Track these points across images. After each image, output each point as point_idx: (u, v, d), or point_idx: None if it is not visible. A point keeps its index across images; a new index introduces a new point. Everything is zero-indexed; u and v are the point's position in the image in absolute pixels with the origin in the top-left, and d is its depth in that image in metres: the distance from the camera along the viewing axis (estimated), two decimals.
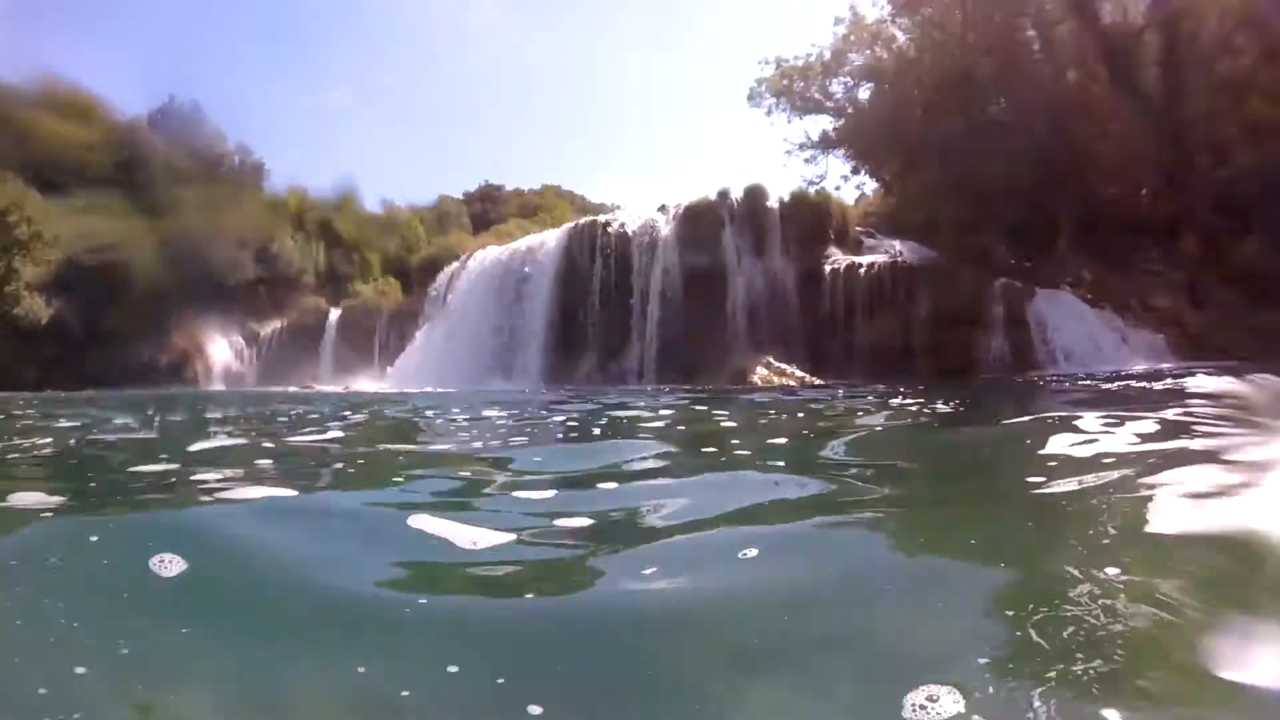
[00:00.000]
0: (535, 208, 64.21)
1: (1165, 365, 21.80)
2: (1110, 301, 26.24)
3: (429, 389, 27.92)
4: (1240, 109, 27.08)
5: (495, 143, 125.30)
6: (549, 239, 32.84)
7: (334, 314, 44.75)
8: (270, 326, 47.76)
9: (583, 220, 33.38)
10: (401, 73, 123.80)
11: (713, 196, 30.70)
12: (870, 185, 37.79)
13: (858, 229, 31.85)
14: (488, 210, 67.40)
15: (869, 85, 35.39)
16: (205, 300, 49.26)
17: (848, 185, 37.33)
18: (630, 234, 30.44)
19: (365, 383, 35.94)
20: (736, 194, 30.70)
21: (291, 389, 35.25)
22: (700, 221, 29.93)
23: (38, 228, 47.75)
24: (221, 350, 48.94)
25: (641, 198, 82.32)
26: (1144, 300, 26.22)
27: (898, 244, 30.24)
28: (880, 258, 29.14)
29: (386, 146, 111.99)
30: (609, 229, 31.07)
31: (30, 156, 50.94)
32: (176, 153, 58.10)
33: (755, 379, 25.01)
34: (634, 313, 29.46)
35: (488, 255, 34.64)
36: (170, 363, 48.54)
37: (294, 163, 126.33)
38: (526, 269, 32.18)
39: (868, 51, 34.91)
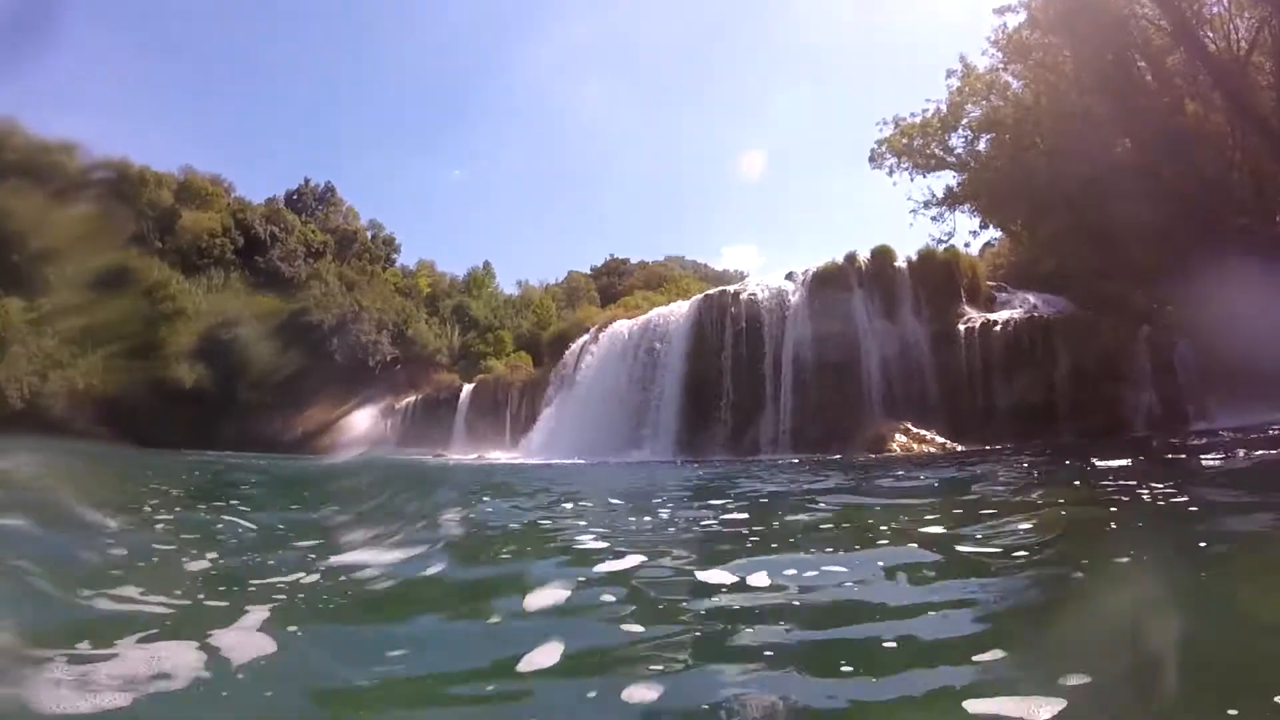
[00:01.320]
0: (660, 279, 65.19)
1: None
2: (1262, 342, 24.67)
3: (561, 460, 28.20)
4: None
5: (618, 217, 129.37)
6: (679, 310, 33.10)
7: (467, 388, 46.21)
8: (405, 400, 49.41)
9: (713, 290, 33.55)
10: (520, 152, 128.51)
11: (840, 260, 30.54)
12: (993, 237, 37.11)
13: (989, 284, 31.13)
14: (614, 283, 68.77)
15: (988, 136, 34.85)
16: (343, 375, 52.00)
17: (976, 240, 36.64)
18: (760, 302, 30.43)
19: (497, 453, 36.66)
20: (864, 256, 30.47)
21: (427, 457, 36.09)
22: (829, 287, 29.75)
23: (180, 304, 50.80)
24: (359, 421, 50.74)
25: (764, 265, 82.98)
26: None
27: (1031, 297, 29.46)
28: (1015, 313, 28.29)
29: (514, 224, 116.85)
30: (739, 298, 31.07)
31: (173, 241, 54.81)
32: (312, 230, 61.60)
33: (894, 447, 24.24)
34: (766, 381, 29.27)
35: (618, 327, 35.02)
36: (306, 433, 50.67)
37: (425, 238, 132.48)
38: (657, 340, 32.41)
39: (984, 102, 34.45)
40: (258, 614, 3.46)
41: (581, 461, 26.92)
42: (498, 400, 43.39)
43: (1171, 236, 26.66)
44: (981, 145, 35.34)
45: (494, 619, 3.63)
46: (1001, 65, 33.73)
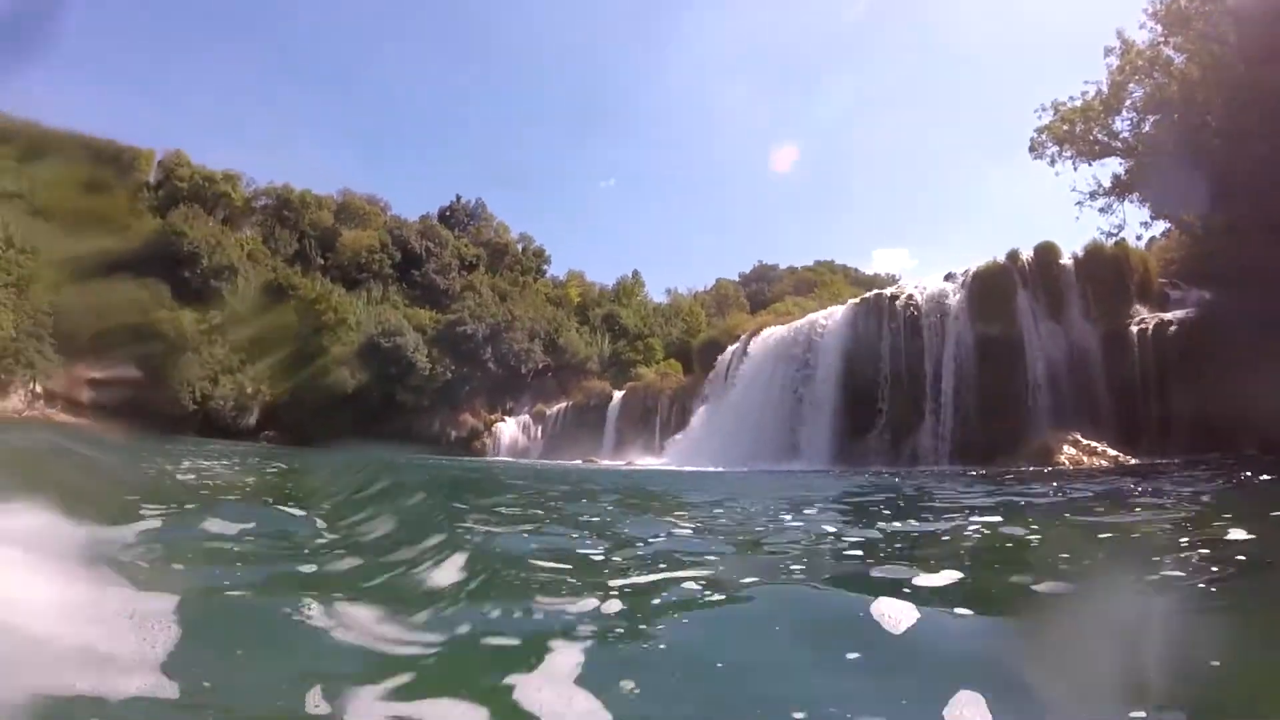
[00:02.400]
0: (810, 284, 64.75)
1: None
2: None
3: (713, 468, 27.97)
4: None
5: (765, 223, 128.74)
6: (834, 314, 32.43)
7: (617, 395, 46.74)
8: (556, 407, 50.40)
9: (869, 294, 32.70)
10: (665, 160, 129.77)
11: (1001, 259, 29.28)
12: (1161, 228, 34.53)
13: (1161, 281, 29.31)
14: (763, 290, 68.96)
15: (1155, 117, 32.63)
16: (496, 382, 54.05)
17: (1148, 233, 34.07)
18: (919, 305, 29.50)
19: (647, 459, 36.76)
20: (1026, 254, 29.14)
21: (576, 463, 36.50)
22: (991, 288, 28.54)
23: (342, 315, 53.63)
24: (509, 427, 52.10)
25: (916, 268, 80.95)
26: None
27: (1208, 294, 27.48)
28: (1190, 312, 26.30)
29: (661, 233, 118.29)
30: (896, 301, 30.18)
31: (334, 258, 58.48)
32: (464, 244, 64.34)
33: (1062, 459, 22.84)
34: (926, 388, 28.32)
35: (771, 333, 34.66)
36: (460, 436, 52.63)
37: (574, 248, 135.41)
38: (811, 346, 31.86)
39: (1147, 80, 32.19)
40: None
41: (743, 469, 26.50)
42: (647, 407, 43.67)
43: None
44: (1148, 128, 33.01)
45: None
46: (1162, 39, 31.35)
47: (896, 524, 7.38)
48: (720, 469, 27.36)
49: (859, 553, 5.58)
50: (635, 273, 71.61)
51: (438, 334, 56.57)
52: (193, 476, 11.96)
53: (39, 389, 45.38)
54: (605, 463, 36.78)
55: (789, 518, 8.30)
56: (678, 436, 37.33)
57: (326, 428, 46.74)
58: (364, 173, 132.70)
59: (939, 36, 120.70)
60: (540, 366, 58.19)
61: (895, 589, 3.65)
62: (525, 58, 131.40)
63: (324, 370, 52.77)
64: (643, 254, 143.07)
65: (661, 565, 4.68)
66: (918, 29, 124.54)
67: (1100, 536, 6.57)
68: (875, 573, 4.42)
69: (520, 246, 70.89)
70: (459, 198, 72.74)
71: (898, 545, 6.15)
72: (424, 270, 62.66)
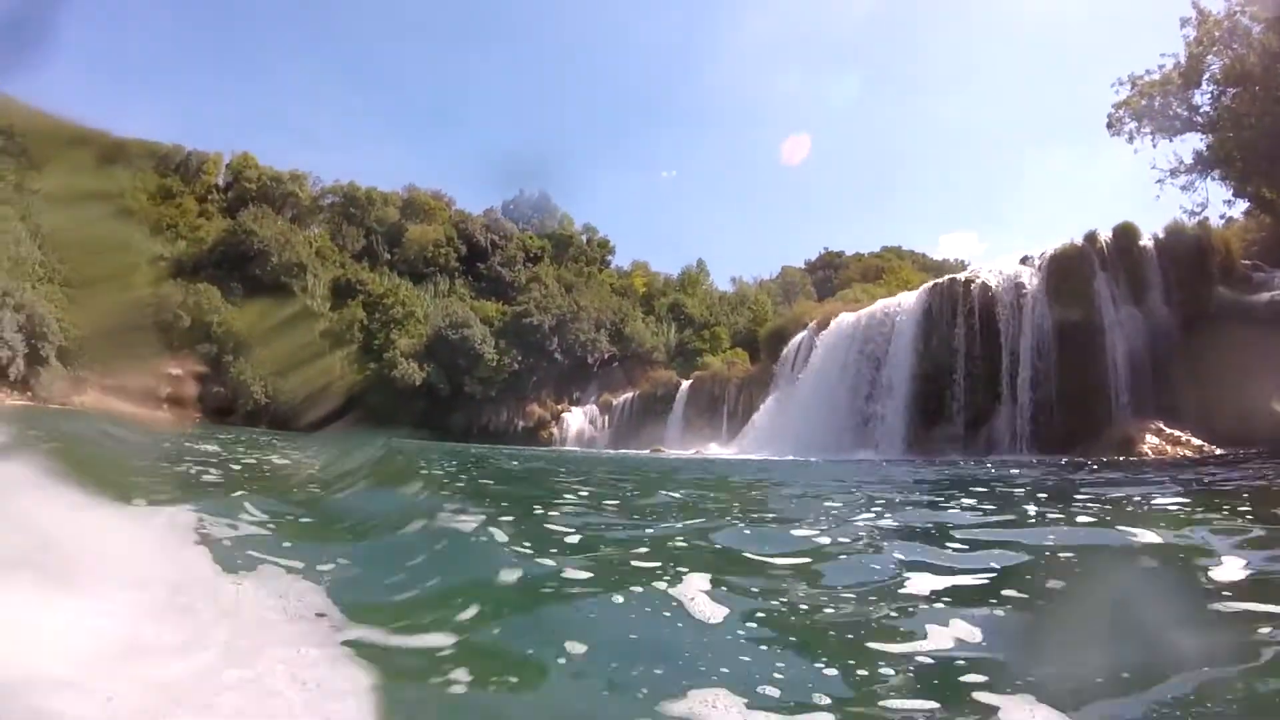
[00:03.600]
0: (878, 270, 64.34)
1: None
2: None
3: (782, 457, 27.81)
4: None
5: (830, 209, 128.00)
6: (906, 301, 32.05)
7: (684, 385, 46.72)
8: (623, 396, 50.56)
9: (942, 279, 32.16)
10: (726, 149, 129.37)
11: (1079, 241, 28.65)
12: (1243, 208, 33.25)
13: (1244, 262, 28.42)
14: (830, 277, 68.72)
15: (1235, 90, 31.49)
16: (563, 372, 54.53)
17: (1232, 210, 32.81)
18: (993, 290, 28.96)
19: (714, 448, 36.75)
20: (1105, 236, 28.42)
21: (644, 453, 36.60)
22: (1068, 271, 27.91)
23: (411, 309, 54.43)
24: (576, 417, 52.42)
25: (982, 253, 79.66)
26: None
27: None
28: (1277, 294, 25.30)
29: (725, 221, 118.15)
30: (971, 286, 29.66)
31: (401, 253, 59.46)
32: (529, 236, 64.95)
33: (1145, 449, 22.40)
34: (1002, 375, 27.78)
35: (841, 321, 34.34)
36: (527, 427, 53.12)
37: (637, 239, 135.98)
38: (882, 334, 31.58)
39: (1227, 51, 31.08)
40: None
41: (813, 459, 26.12)
42: (714, 396, 43.64)
43: None
44: (1229, 101, 31.81)
45: None
46: (1240, 8, 30.30)
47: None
48: (792, 457, 27.18)
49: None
50: (700, 262, 71.90)
51: (504, 326, 57.15)
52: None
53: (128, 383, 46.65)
54: (673, 452, 36.80)
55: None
56: (747, 425, 37.23)
57: (396, 420, 47.57)
58: (428, 169, 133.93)
59: (999, 12, 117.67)
60: (606, 356, 58.47)
61: None
62: (582, 53, 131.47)
63: (392, 363, 53.67)
64: (706, 243, 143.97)
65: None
66: (976, 5, 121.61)
67: None
68: None
69: (584, 238, 71.42)
70: (522, 191, 73.53)
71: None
72: (489, 263, 63.40)
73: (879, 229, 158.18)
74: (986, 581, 4.26)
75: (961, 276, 31.37)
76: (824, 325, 35.43)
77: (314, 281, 55.74)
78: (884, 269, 64.49)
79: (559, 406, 54.99)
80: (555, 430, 53.25)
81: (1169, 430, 23.23)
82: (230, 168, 63.17)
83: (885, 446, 29.19)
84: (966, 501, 9.18)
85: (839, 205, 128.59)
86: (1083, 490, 10.37)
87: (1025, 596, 3.90)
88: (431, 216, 65.89)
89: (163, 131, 78.91)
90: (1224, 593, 3.92)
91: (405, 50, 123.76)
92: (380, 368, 53.73)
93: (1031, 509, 7.95)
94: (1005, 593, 3.90)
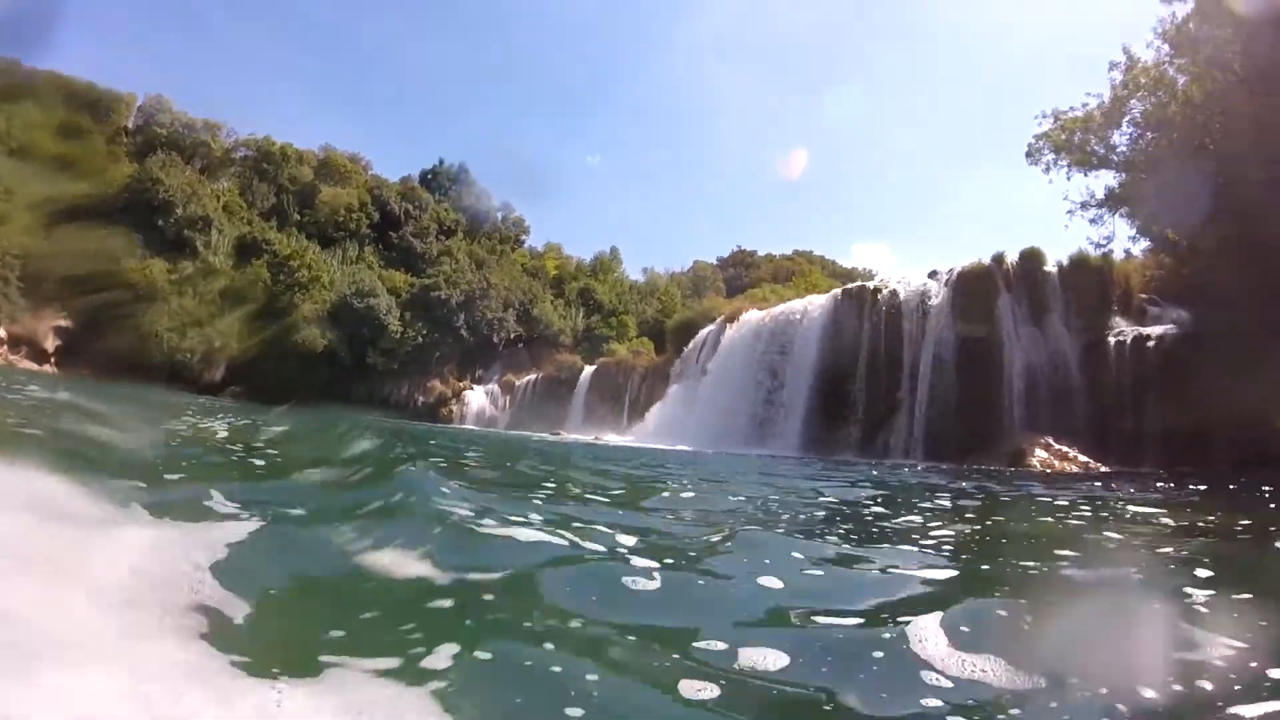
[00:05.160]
0: (788, 273, 64.91)
1: None
2: None
3: (682, 447, 27.79)
4: None
5: (746, 209, 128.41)
6: (814, 303, 32.29)
7: (588, 370, 46.48)
8: (526, 378, 50.08)
9: (851, 285, 32.71)
10: (652, 139, 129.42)
11: (987, 261, 29.26)
12: (1144, 245, 34.64)
13: (1142, 296, 29.34)
14: (741, 275, 69.10)
15: (1154, 135, 32.69)
16: (467, 349, 53.69)
17: (1136, 247, 34.16)
18: (901, 300, 29.46)
19: (612, 435, 36.52)
20: (1012, 258, 29.14)
21: (543, 436, 36.24)
22: (974, 288, 28.53)
23: (317, 273, 52.93)
24: (478, 396, 51.72)
25: (892, 265, 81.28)
26: None
27: (1186, 313, 27.51)
28: (1170, 329, 26.35)
29: (642, 211, 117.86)
30: (878, 295, 30.16)
31: (312, 215, 57.71)
32: (444, 209, 63.61)
33: (1034, 462, 23.09)
34: (902, 383, 28.31)
35: (748, 318, 34.45)
36: (427, 402, 52.25)
37: (554, 221, 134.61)
38: (789, 333, 31.78)
39: (1150, 98, 32.29)
40: None
41: (709, 452, 26.17)
42: (618, 384, 43.43)
43: None
44: (1146, 145, 33.04)
45: None
46: (1168, 60, 31.53)
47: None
48: (690, 449, 27.16)
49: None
50: (614, 249, 71.39)
51: (412, 298, 55.76)
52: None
53: (3, 334, 44.43)
54: (572, 436, 36.46)
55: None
56: (648, 414, 37.12)
57: (294, 386, 46.28)
58: (348, 129, 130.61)
59: (936, 38, 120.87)
60: (512, 337, 57.51)
61: None
62: (520, 26, 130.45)
63: (294, 328, 52.00)
64: (622, 231, 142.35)
65: None
66: (914, 29, 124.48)
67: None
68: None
69: (500, 215, 70.08)
70: (442, 161, 71.69)
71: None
72: (402, 233, 61.63)
73: (794, 232, 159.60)
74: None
75: (870, 284, 32.03)
76: (731, 321, 35.50)
77: (219, 237, 53.53)
78: (795, 271, 65.13)
79: (461, 384, 54.01)
80: (456, 408, 52.38)
81: (1058, 446, 23.91)
82: (143, 110, 60.17)
83: (783, 444, 29.34)
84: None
85: (757, 205, 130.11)
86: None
87: None
88: (347, 180, 63.62)
89: (77, 68, 74.24)
90: None
91: (338, 4, 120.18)
92: (282, 332, 51.94)
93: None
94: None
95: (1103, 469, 22.25)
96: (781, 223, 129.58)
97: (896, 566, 4.60)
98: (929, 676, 2.82)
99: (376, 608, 3.29)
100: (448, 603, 3.32)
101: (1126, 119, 32.60)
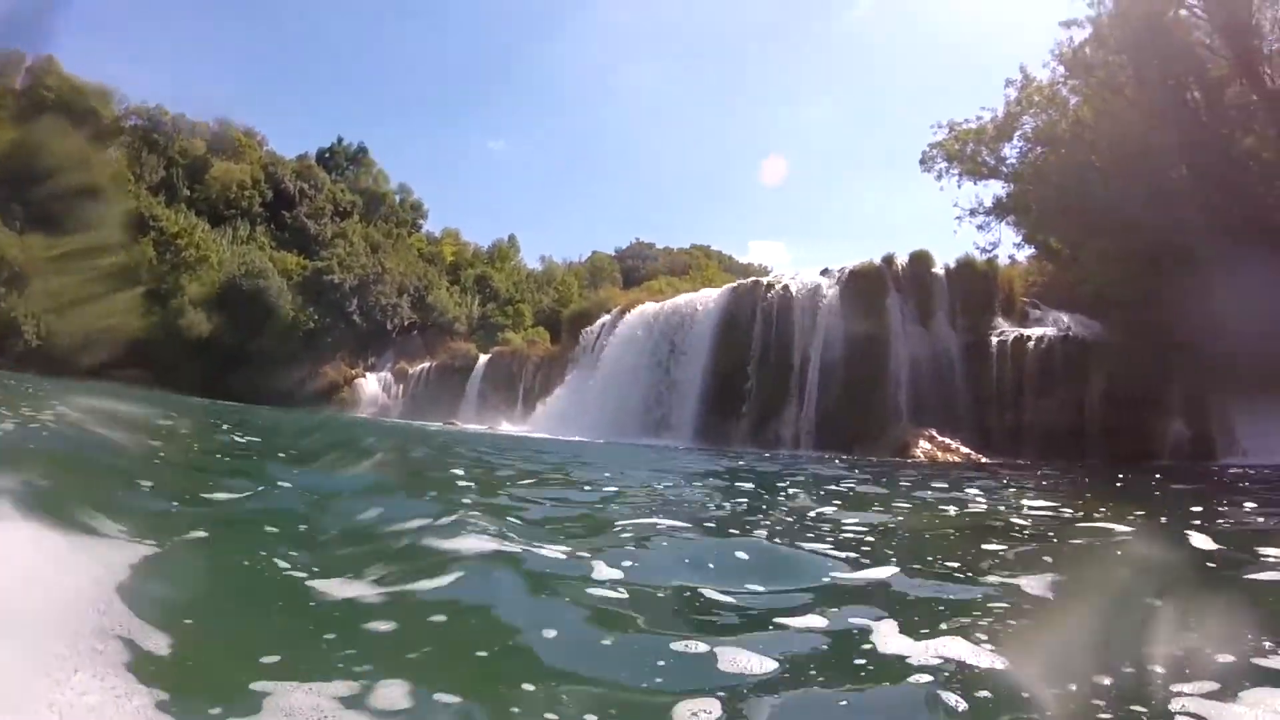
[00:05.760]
0: (685, 266, 65.59)
1: None
2: None
3: (575, 438, 27.77)
4: None
5: (646, 201, 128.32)
6: (709, 297, 32.69)
7: (483, 359, 45.94)
8: (420, 365, 49.27)
9: (745, 280, 33.35)
10: (557, 127, 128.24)
11: (877, 261, 30.09)
12: (1028, 253, 36.28)
13: (1024, 300, 30.53)
14: (638, 267, 69.35)
15: (1043, 149, 34.14)
16: (360, 336, 52.36)
17: (1021, 253, 35.80)
18: (794, 296, 30.02)
19: (507, 425, 36.29)
20: (901, 260, 30.01)
21: (436, 425, 35.78)
22: (864, 287, 29.27)
23: (204, 253, 50.96)
24: (370, 383, 50.71)
25: (787, 262, 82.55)
26: None
27: (1065, 317, 28.68)
28: (1049, 331, 27.64)
29: (542, 199, 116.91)
30: (772, 290, 30.70)
31: (202, 191, 55.19)
32: (341, 189, 61.74)
33: (917, 453, 23.78)
34: (793, 376, 28.81)
35: (644, 310, 34.61)
36: (318, 390, 50.83)
37: (453, 206, 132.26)
38: (683, 327, 32.05)
39: (1042, 115, 33.76)
40: None
41: (601, 441, 26.47)
42: (513, 373, 43.04)
43: (1217, 270, 26.17)
44: (1035, 159, 34.51)
45: None
46: (1062, 80, 33.08)
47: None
48: (584, 439, 27.16)
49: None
50: (512, 237, 71.02)
51: (303, 281, 54.18)
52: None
53: None
54: (467, 426, 36.07)
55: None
56: (542, 404, 36.93)
57: (180, 372, 44.55)
58: (245, 101, 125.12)
59: (839, 45, 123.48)
60: (407, 323, 56.43)
61: None
62: (428, 5, 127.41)
63: (180, 311, 49.98)
64: (522, 219, 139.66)
65: None
66: (819, 35, 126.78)
67: None
68: None
69: (398, 198, 68.92)
70: (340, 140, 69.81)
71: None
72: (295, 213, 59.64)
73: (692, 226, 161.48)
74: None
75: (764, 280, 32.66)
76: (627, 313, 35.58)
77: (107, 211, 50.86)
78: (691, 265, 65.94)
79: (353, 371, 52.73)
80: (348, 395, 51.14)
81: (940, 438, 24.73)
82: (31, 71, 56.52)
83: (676, 435, 29.57)
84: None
85: (658, 198, 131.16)
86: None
87: None
88: (240, 155, 61.54)
89: None
90: None
91: None
92: (167, 315, 49.75)
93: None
94: None
95: (983, 460, 23.00)
96: (681, 217, 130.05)
97: (829, 558, 4.82)
98: (887, 666, 2.91)
99: (309, 629, 3.09)
100: (388, 625, 3.15)
101: (1018, 133, 34.23)
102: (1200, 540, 5.91)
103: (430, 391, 46.88)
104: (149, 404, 17.89)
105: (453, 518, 4.76)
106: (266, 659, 2.65)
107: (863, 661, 2.98)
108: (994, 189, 35.33)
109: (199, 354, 49.13)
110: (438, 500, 6.36)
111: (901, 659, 2.93)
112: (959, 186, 35.56)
